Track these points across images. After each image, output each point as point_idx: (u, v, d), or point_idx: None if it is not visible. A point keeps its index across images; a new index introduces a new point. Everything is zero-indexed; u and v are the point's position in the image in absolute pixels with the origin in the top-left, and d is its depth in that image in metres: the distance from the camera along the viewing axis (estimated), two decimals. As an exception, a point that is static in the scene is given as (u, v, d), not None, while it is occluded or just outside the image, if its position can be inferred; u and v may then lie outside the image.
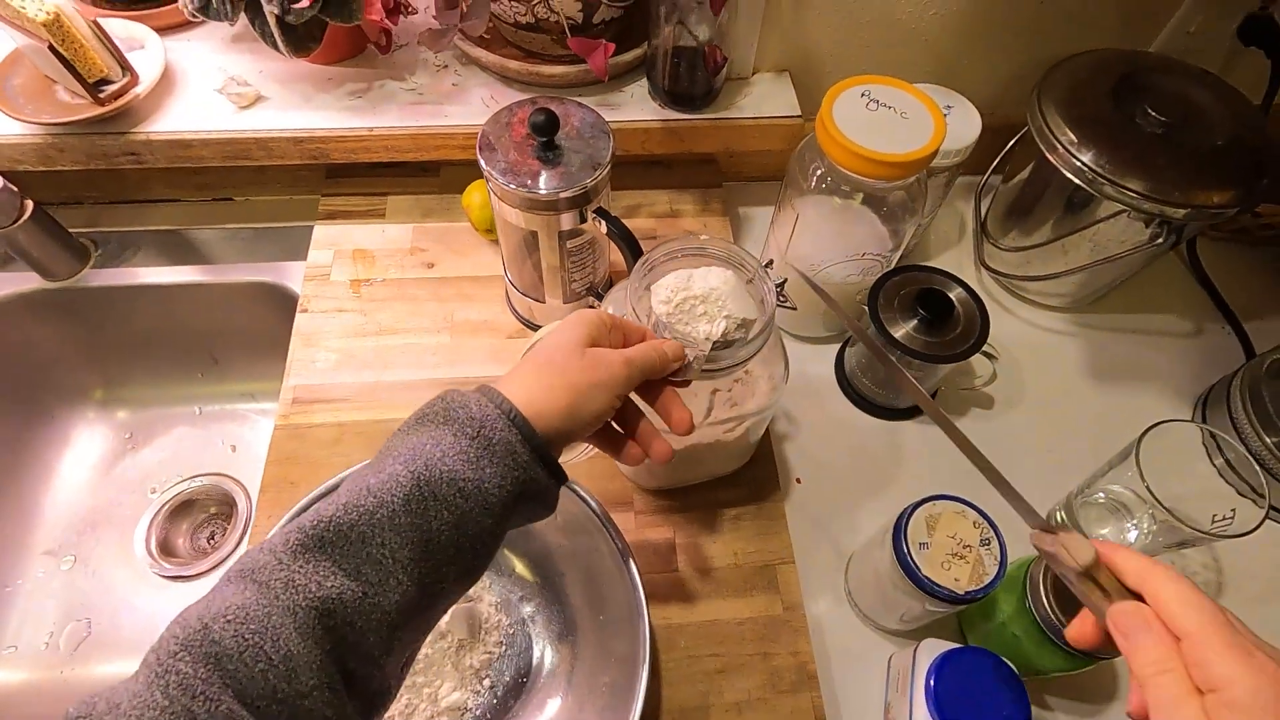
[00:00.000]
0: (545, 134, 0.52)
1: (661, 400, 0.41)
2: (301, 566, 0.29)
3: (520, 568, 0.56)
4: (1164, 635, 0.28)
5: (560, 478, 0.36)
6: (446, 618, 0.52)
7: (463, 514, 0.32)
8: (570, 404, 0.36)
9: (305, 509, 0.48)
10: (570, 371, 0.36)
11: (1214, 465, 0.60)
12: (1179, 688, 0.27)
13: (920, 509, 0.49)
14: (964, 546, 0.48)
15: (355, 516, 0.30)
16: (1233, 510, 0.53)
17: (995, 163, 0.75)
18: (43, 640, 0.71)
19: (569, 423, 0.36)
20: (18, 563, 0.74)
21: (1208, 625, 0.27)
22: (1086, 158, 0.61)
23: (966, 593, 0.46)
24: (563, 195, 0.52)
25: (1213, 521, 0.53)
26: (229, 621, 0.27)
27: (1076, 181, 0.61)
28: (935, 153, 0.54)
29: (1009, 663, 0.47)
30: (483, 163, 0.53)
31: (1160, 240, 0.61)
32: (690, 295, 0.44)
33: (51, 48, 0.58)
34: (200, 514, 0.81)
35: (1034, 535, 0.33)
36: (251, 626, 0.27)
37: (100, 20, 0.62)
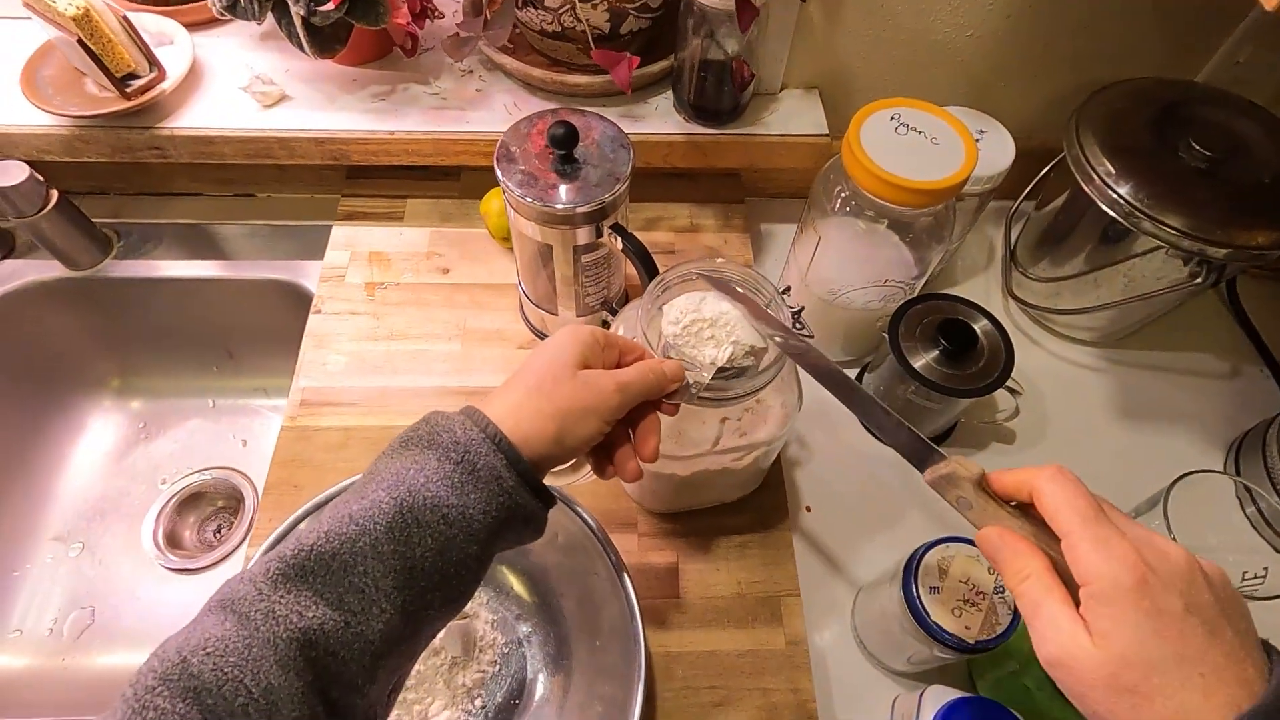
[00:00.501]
0: (564, 147, 0.51)
1: (642, 425, 0.40)
2: (282, 596, 0.28)
3: (518, 586, 0.55)
4: (1019, 548, 0.30)
5: (548, 502, 0.35)
6: (441, 634, 0.51)
7: (447, 541, 0.31)
8: (558, 429, 0.35)
9: (298, 522, 0.47)
10: (559, 396, 0.35)
11: (1245, 515, 0.58)
12: (1039, 590, 0.29)
13: (933, 550, 0.47)
14: (977, 593, 0.46)
15: (337, 545, 0.29)
16: (1265, 569, 0.51)
17: (1028, 190, 0.72)
18: (46, 626, 0.72)
19: (555, 448, 0.35)
20: (27, 547, 0.75)
21: (1079, 524, 0.28)
22: (1124, 190, 0.58)
23: (977, 642, 0.44)
24: (579, 210, 0.51)
25: (1243, 580, 0.51)
26: (208, 654, 0.26)
27: (1112, 214, 0.59)
28: (964, 181, 0.52)
29: (1018, 716, 0.45)
30: (499, 173, 0.52)
31: (1199, 280, 0.59)
32: (700, 318, 0.43)
33: (80, 41, 0.58)
34: (208, 507, 0.81)
35: (929, 471, 0.34)
36: (231, 659, 0.26)
37: (130, 15, 0.63)
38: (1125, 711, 0.26)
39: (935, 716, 0.45)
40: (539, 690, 0.52)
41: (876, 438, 0.66)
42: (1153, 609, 0.26)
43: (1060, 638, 0.28)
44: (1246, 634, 0.27)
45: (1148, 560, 0.27)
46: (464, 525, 0.31)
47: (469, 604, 0.53)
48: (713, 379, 0.41)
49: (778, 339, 0.42)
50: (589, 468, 0.45)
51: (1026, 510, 0.32)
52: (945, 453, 0.34)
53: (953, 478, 0.32)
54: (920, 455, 0.35)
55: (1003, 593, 0.46)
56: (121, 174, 0.76)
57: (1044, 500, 0.30)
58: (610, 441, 0.39)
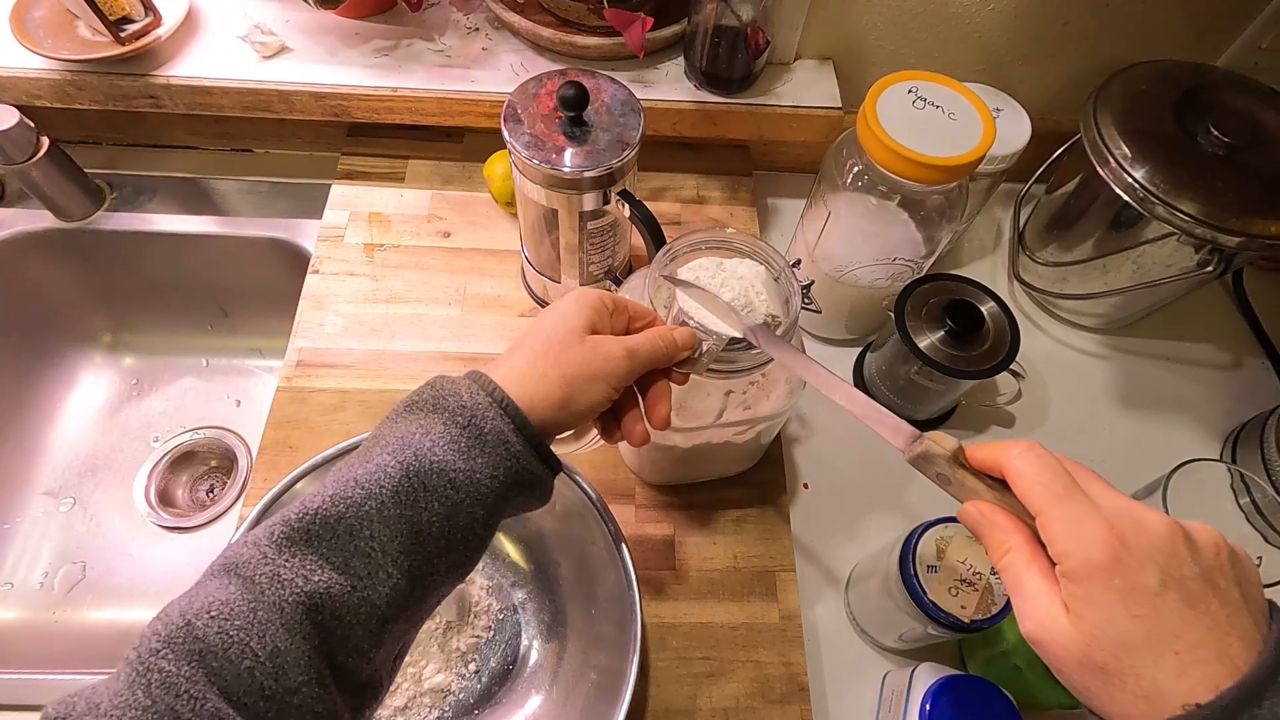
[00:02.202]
0: (573, 109, 0.50)
1: (652, 390, 0.39)
2: (287, 560, 0.28)
3: (514, 553, 0.55)
4: (1000, 522, 0.29)
5: (555, 467, 0.35)
6: (436, 598, 0.52)
7: (454, 505, 0.30)
8: (565, 395, 0.34)
9: (294, 483, 0.47)
10: (566, 361, 0.34)
11: (1239, 506, 0.58)
12: (1020, 564, 0.28)
13: (931, 530, 0.47)
14: (974, 573, 0.46)
15: (342, 509, 0.29)
16: (1259, 558, 0.51)
17: (1040, 171, 0.71)
18: (37, 580, 0.71)
19: (562, 413, 0.34)
20: (17, 500, 0.74)
21: (1049, 503, 0.28)
22: (1140, 174, 0.57)
23: (972, 621, 0.45)
24: (587, 174, 0.50)
25: (1236, 567, 0.51)
26: (213, 617, 0.26)
27: (1126, 198, 0.58)
28: (982, 158, 0.51)
29: (1008, 694, 0.45)
30: (506, 134, 0.51)
31: (1209, 268, 0.58)
32: (717, 282, 0.42)
33: (73, -19, 0.56)
34: (201, 466, 0.81)
35: (907, 450, 0.33)
36: (237, 623, 0.26)
37: (125, -44, 0.60)
38: (1098, 689, 0.26)
39: (927, 693, 0.45)
40: (533, 656, 0.52)
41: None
42: (1124, 587, 0.25)
43: (1038, 613, 0.27)
44: (1240, 603, 0.26)
45: (1122, 534, 0.26)
46: (471, 490, 0.31)
47: (464, 569, 0.53)
48: (724, 349, 0.40)
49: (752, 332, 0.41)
50: (591, 438, 0.44)
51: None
52: (920, 431, 0.33)
53: (928, 455, 0.32)
54: (898, 434, 0.34)
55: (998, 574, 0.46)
56: (115, 123, 0.74)
57: (1015, 480, 0.29)
58: (618, 406, 0.39)
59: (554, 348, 0.35)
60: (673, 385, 0.40)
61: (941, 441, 0.32)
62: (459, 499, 0.31)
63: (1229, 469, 0.57)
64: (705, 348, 0.40)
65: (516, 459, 0.32)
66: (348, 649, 0.28)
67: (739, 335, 0.40)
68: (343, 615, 0.28)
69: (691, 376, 0.42)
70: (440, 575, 0.31)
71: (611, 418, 0.39)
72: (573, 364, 0.34)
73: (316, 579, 0.27)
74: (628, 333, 0.39)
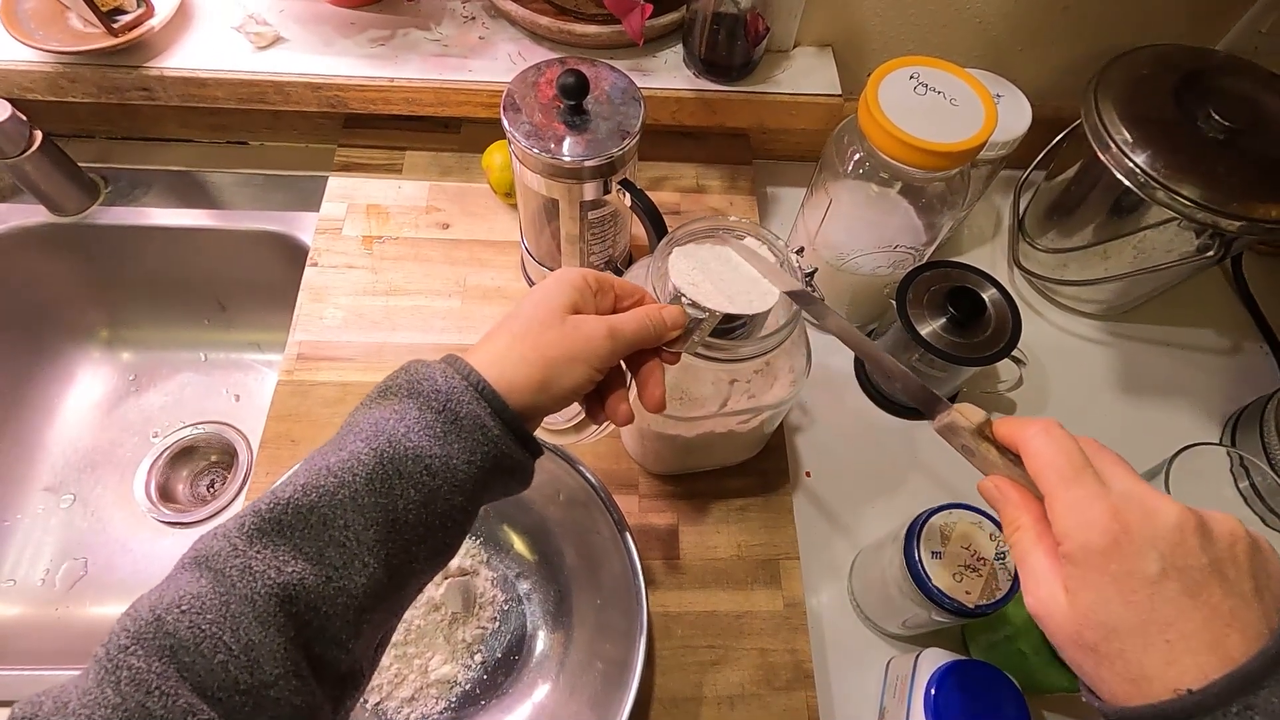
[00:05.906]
0: (574, 97, 0.49)
1: (643, 370, 0.38)
2: (259, 552, 0.27)
3: (519, 545, 0.55)
4: (1014, 499, 0.31)
5: (535, 451, 0.34)
6: (441, 590, 0.52)
7: (430, 492, 0.30)
8: (544, 378, 0.33)
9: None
10: (544, 343, 0.33)
11: (1239, 489, 0.58)
12: (1027, 542, 0.30)
13: (935, 516, 0.47)
14: (978, 559, 0.46)
15: (315, 498, 0.28)
16: (1260, 540, 0.51)
17: (1039, 157, 0.71)
18: (39, 576, 0.71)
19: (542, 396, 0.33)
20: (17, 497, 0.74)
21: (1056, 485, 0.28)
22: (1141, 159, 0.57)
23: (977, 606, 0.45)
24: (587, 164, 0.50)
25: (1237, 550, 0.52)
26: (184, 612, 0.25)
27: (1127, 183, 0.58)
28: (984, 144, 0.51)
29: (1012, 679, 0.46)
30: (506, 123, 0.50)
31: (1210, 253, 0.58)
32: (719, 263, 0.41)
33: (64, -29, 0.56)
34: (201, 461, 0.80)
35: (935, 420, 0.34)
36: (208, 616, 0.25)
37: (116, -55, 0.60)
38: (1090, 667, 0.27)
39: (932, 678, 0.46)
40: (539, 646, 0.52)
41: (878, 393, 0.65)
42: (1120, 572, 0.26)
43: (1040, 591, 0.28)
44: (1250, 595, 0.25)
45: (1126, 521, 0.26)
46: (448, 476, 0.30)
47: (469, 561, 0.53)
48: (718, 335, 0.40)
49: (795, 294, 0.41)
50: (592, 430, 0.44)
51: None
52: (948, 402, 0.34)
53: (954, 426, 0.33)
54: (927, 404, 0.35)
55: (1003, 559, 0.46)
56: (108, 116, 0.73)
57: (1029, 459, 0.30)
58: (603, 386, 0.37)
59: (533, 329, 0.34)
60: (670, 367, 0.39)
61: (968, 414, 0.33)
62: (435, 485, 0.30)
63: (1229, 453, 0.57)
64: (700, 324, 0.39)
65: (494, 444, 0.31)
66: (325, 640, 0.28)
67: (734, 311, 0.40)
68: (318, 606, 0.27)
69: (698, 366, 0.42)
70: (419, 563, 0.30)
71: (596, 398, 0.38)
72: (552, 345, 0.33)
73: (289, 570, 0.27)
74: (615, 312, 0.37)
